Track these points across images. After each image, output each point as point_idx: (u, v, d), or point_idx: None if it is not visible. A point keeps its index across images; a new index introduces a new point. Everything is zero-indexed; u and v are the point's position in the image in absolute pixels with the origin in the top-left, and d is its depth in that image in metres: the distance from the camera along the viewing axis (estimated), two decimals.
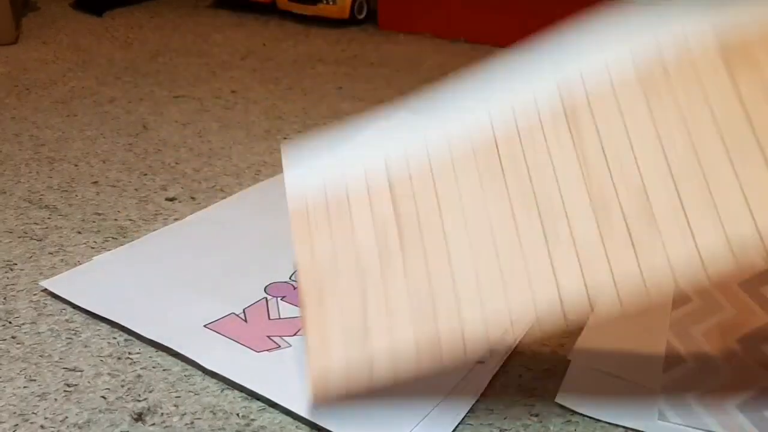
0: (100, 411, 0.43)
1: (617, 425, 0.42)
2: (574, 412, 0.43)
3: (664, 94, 0.39)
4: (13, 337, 0.50)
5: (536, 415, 0.43)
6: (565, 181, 0.40)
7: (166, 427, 0.42)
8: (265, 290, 0.54)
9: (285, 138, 0.83)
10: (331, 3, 1.27)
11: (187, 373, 0.46)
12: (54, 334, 0.50)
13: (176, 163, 0.77)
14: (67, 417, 0.43)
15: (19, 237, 0.63)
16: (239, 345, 0.48)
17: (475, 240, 0.40)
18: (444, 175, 0.43)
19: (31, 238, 0.62)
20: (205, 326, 0.50)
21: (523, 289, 0.38)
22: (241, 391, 0.45)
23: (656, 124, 0.39)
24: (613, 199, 0.38)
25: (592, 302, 0.37)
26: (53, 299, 0.54)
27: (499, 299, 0.39)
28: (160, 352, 0.48)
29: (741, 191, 0.36)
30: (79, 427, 0.42)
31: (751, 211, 0.35)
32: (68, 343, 0.49)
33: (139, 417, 0.43)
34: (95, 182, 0.73)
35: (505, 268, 0.39)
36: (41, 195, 0.70)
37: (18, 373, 0.46)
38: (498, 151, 0.42)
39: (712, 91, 0.38)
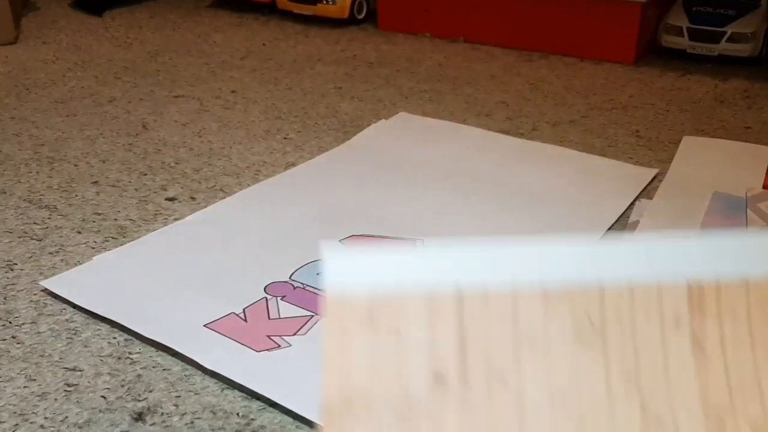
0: (100, 411, 0.43)
1: None
2: None
3: None
4: (13, 337, 0.50)
5: None
6: (676, 368, 0.35)
7: (167, 426, 0.42)
8: (265, 290, 0.54)
9: (285, 138, 0.83)
10: (330, 3, 1.27)
11: (187, 372, 0.46)
12: (54, 334, 0.50)
13: (176, 163, 0.77)
14: (67, 417, 0.43)
15: (19, 237, 0.63)
16: (239, 344, 0.48)
17: (557, 398, 0.34)
18: (528, 310, 0.36)
19: (31, 238, 0.62)
20: (205, 326, 0.50)
21: None
22: (241, 391, 0.45)
23: None
24: (729, 415, 0.35)
25: None
26: (53, 299, 0.54)
27: None
28: (160, 352, 0.48)
29: None
30: (79, 427, 0.42)
31: None
32: (68, 343, 0.49)
33: (139, 416, 0.43)
34: (95, 182, 0.73)
35: None
36: (41, 195, 0.70)
37: (18, 373, 0.46)
38: (603, 305, 0.36)
39: None
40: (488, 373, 0.35)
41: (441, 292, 0.36)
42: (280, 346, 0.48)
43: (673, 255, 0.37)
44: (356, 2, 1.28)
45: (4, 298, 0.54)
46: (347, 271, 0.37)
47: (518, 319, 0.36)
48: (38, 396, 0.44)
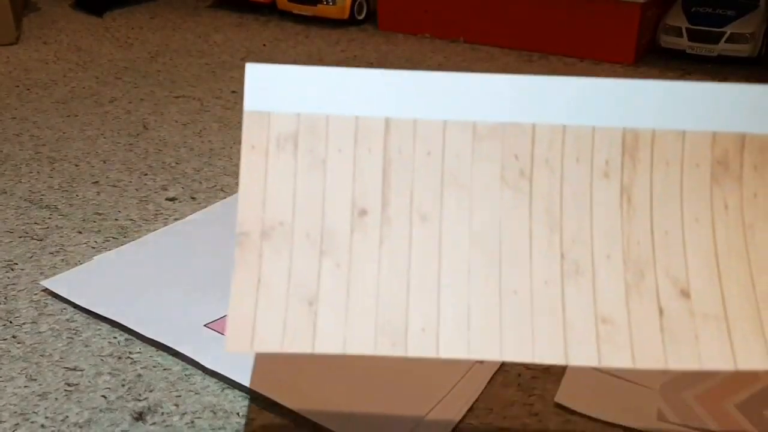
0: (100, 410, 0.44)
1: (616, 425, 0.42)
2: (574, 412, 0.43)
3: (731, 185, 0.35)
4: (13, 337, 0.50)
5: (536, 415, 0.43)
6: (601, 218, 0.35)
7: (167, 426, 0.42)
8: None
9: None
10: (331, 3, 1.27)
11: (187, 372, 0.47)
12: (54, 334, 0.50)
13: (176, 163, 0.77)
14: (67, 416, 0.43)
15: (20, 237, 0.63)
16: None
17: (477, 240, 0.34)
18: (457, 147, 0.35)
19: (32, 238, 0.62)
20: (205, 325, 0.50)
21: (521, 313, 0.33)
22: (241, 391, 0.45)
23: (714, 212, 0.35)
24: (650, 268, 0.34)
25: (602, 361, 0.32)
26: (54, 299, 0.54)
27: (492, 320, 0.33)
28: (160, 352, 0.48)
29: None
30: (80, 427, 0.42)
31: None
32: (69, 343, 0.49)
33: (139, 416, 0.43)
34: (96, 182, 0.73)
35: (506, 283, 0.34)
36: (42, 195, 0.70)
37: (19, 373, 0.47)
38: (533, 145, 0.36)
39: None
40: (410, 209, 0.34)
41: (369, 120, 0.35)
42: None
43: (612, 100, 0.36)
44: (356, 3, 1.28)
45: (5, 298, 0.54)
46: (271, 87, 0.36)
47: (445, 156, 0.35)
48: (39, 396, 0.45)
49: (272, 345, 0.32)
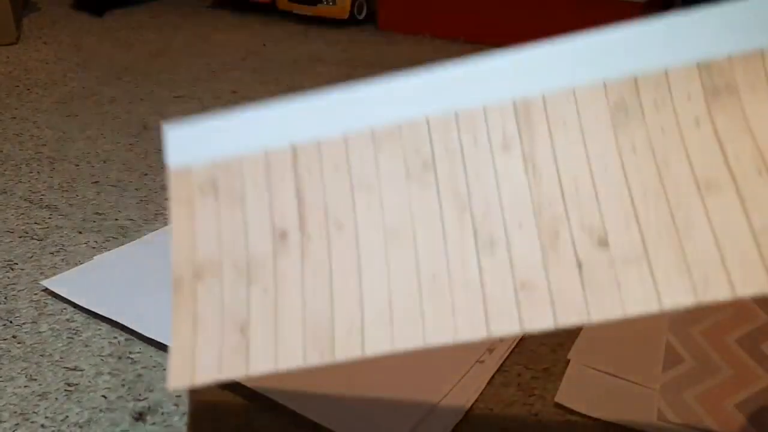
0: (100, 410, 0.44)
1: (616, 425, 0.42)
2: (574, 412, 0.43)
3: (635, 127, 0.36)
4: (13, 337, 0.50)
5: (536, 415, 0.43)
6: (508, 190, 0.36)
7: (167, 426, 0.42)
8: None
9: None
10: (331, 3, 1.27)
11: None
12: (55, 334, 0.50)
13: None
14: (67, 416, 0.43)
15: (20, 237, 0.63)
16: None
17: (392, 236, 0.36)
18: (360, 155, 0.38)
19: (32, 238, 0.62)
20: None
21: (441, 296, 0.34)
22: (242, 391, 0.45)
23: (622, 157, 0.36)
24: (564, 225, 0.35)
25: (524, 327, 0.33)
26: (54, 299, 0.54)
27: (413, 309, 0.34)
28: (160, 352, 0.48)
29: (710, 230, 0.33)
30: (80, 427, 0.42)
31: (719, 249, 0.33)
32: (69, 343, 0.49)
33: (139, 416, 0.43)
34: (96, 182, 0.73)
35: (424, 271, 0.35)
36: (42, 195, 0.70)
37: (19, 373, 0.47)
38: (430, 136, 0.37)
39: (686, 123, 0.36)
40: (326, 221, 0.36)
41: (276, 151, 0.38)
42: None
43: (495, 76, 0.38)
44: (356, 2, 1.28)
45: (5, 298, 0.54)
46: (188, 143, 0.40)
47: (351, 166, 0.37)
48: (39, 395, 0.45)
49: (210, 375, 0.34)
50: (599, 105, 0.37)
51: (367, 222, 0.36)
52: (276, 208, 0.37)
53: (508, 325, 0.33)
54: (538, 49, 0.38)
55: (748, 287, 0.32)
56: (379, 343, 0.34)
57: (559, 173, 0.36)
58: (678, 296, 0.33)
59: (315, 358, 0.34)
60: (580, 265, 0.34)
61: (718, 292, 0.32)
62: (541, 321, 0.33)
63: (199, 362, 0.35)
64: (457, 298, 0.34)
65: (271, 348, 0.35)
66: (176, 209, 0.39)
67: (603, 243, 0.34)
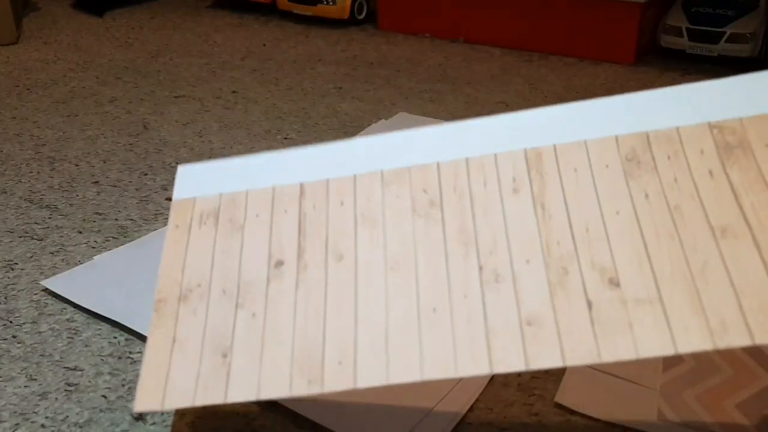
0: (100, 410, 0.44)
1: (616, 425, 0.42)
2: (574, 412, 0.43)
3: (647, 176, 0.36)
4: (13, 337, 0.50)
5: (536, 415, 0.43)
6: (516, 228, 0.36)
7: (167, 426, 0.42)
8: None
9: (286, 138, 0.84)
10: (331, 3, 1.27)
11: None
12: (55, 334, 0.50)
13: (177, 163, 0.77)
14: (67, 416, 0.43)
15: (20, 237, 0.63)
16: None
17: (393, 268, 0.35)
18: (367, 194, 0.38)
19: (32, 238, 0.62)
20: None
21: (442, 329, 0.33)
22: None
23: (634, 202, 0.35)
24: (573, 264, 0.34)
25: (530, 363, 0.32)
26: (54, 299, 0.54)
27: (410, 340, 0.33)
28: None
29: (727, 275, 0.33)
30: (80, 426, 0.42)
31: (736, 294, 0.32)
32: (69, 343, 0.49)
33: (139, 416, 0.43)
34: (96, 182, 0.73)
35: (425, 303, 0.34)
36: (42, 195, 0.70)
37: (19, 373, 0.47)
38: (439, 178, 0.38)
39: (700, 174, 0.35)
40: (326, 252, 0.36)
41: (284, 187, 0.39)
42: None
43: (508, 130, 0.39)
44: (356, 3, 1.28)
45: (5, 298, 0.54)
46: (198, 180, 0.41)
47: (357, 202, 0.37)
48: (39, 395, 0.45)
49: (184, 400, 0.33)
50: (611, 154, 0.37)
51: (368, 254, 0.36)
52: (275, 238, 0.37)
53: (513, 361, 0.32)
54: (550, 109, 0.39)
55: (766, 335, 0.31)
56: (372, 376, 0.33)
57: (569, 214, 0.36)
58: (695, 340, 0.32)
59: (302, 388, 0.33)
60: (590, 305, 0.33)
61: (736, 339, 0.31)
62: (548, 359, 0.32)
63: (173, 385, 0.34)
64: (459, 331, 0.33)
65: (254, 375, 0.34)
66: (173, 234, 0.39)
67: (614, 283, 0.34)
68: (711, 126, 0.37)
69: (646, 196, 0.36)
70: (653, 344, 0.32)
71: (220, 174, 0.40)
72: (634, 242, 0.34)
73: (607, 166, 0.37)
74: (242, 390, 0.33)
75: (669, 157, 0.36)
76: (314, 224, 0.37)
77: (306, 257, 0.36)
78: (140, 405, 0.33)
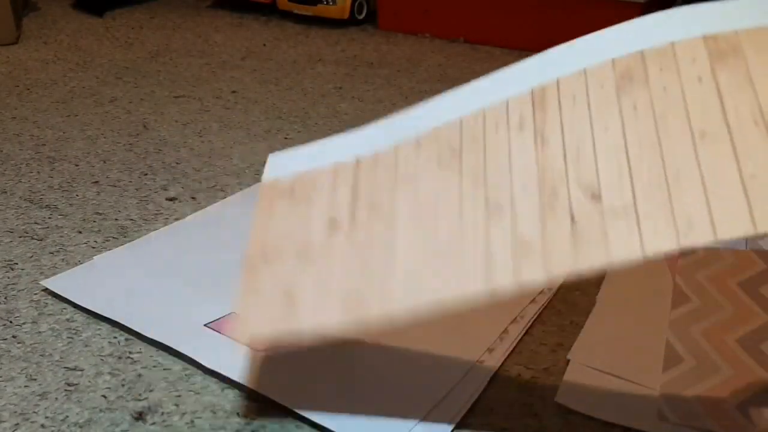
0: (100, 410, 0.44)
1: (616, 425, 0.42)
2: (574, 412, 0.43)
3: (638, 89, 0.38)
4: (13, 337, 0.50)
5: (536, 415, 0.43)
6: (518, 162, 0.39)
7: (167, 426, 0.42)
8: None
9: (286, 138, 0.83)
10: (331, 3, 1.27)
11: (187, 372, 0.47)
12: (55, 334, 0.50)
13: (177, 163, 0.77)
14: (67, 416, 0.43)
15: (20, 236, 0.63)
16: (239, 344, 0.48)
17: (420, 214, 0.41)
18: (406, 156, 0.44)
19: (32, 238, 0.62)
20: (205, 325, 0.50)
21: (456, 259, 0.38)
22: (242, 390, 0.45)
23: (623, 116, 0.38)
24: (563, 184, 0.37)
25: (519, 279, 0.36)
26: (54, 299, 0.54)
27: (431, 273, 0.38)
28: (160, 352, 0.48)
29: (700, 178, 0.34)
30: (80, 427, 0.42)
31: (706, 195, 0.34)
32: (69, 343, 0.49)
33: (139, 416, 0.43)
34: (96, 182, 0.73)
35: (442, 239, 0.39)
36: (42, 195, 0.70)
37: (19, 373, 0.47)
38: (461, 132, 0.42)
39: (688, 81, 0.37)
40: (370, 209, 0.42)
41: (343, 162, 0.46)
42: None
43: (518, 74, 0.43)
44: (356, 2, 1.28)
45: (5, 298, 0.54)
46: (280, 163, 0.48)
47: (398, 166, 0.43)
48: (39, 395, 0.45)
49: (264, 334, 0.41)
50: (606, 76, 0.39)
51: (404, 206, 0.42)
52: (333, 203, 0.44)
53: (503, 279, 0.36)
54: (556, 48, 0.42)
55: (730, 231, 0.33)
56: (407, 301, 0.38)
57: (564, 139, 0.38)
58: (661, 242, 0.33)
59: (351, 324, 0.39)
60: (573, 220, 0.36)
61: (700, 236, 0.33)
62: (533, 274, 0.36)
63: (256, 325, 0.41)
64: (464, 258, 0.38)
65: (313, 314, 0.40)
66: (259, 208, 0.47)
67: (596, 197, 0.36)
68: (705, 38, 0.38)
69: (635, 108, 0.38)
70: (623, 250, 0.34)
71: (297, 158, 0.48)
72: (618, 156, 0.37)
73: (602, 86, 0.39)
74: (305, 325, 0.39)
75: (661, 69, 0.38)
76: (365, 188, 0.43)
77: (357, 216, 0.42)
78: (239, 340, 0.44)
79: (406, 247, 0.40)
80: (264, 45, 1.20)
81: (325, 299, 0.40)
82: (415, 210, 0.41)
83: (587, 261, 0.34)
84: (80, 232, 0.63)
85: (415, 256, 0.39)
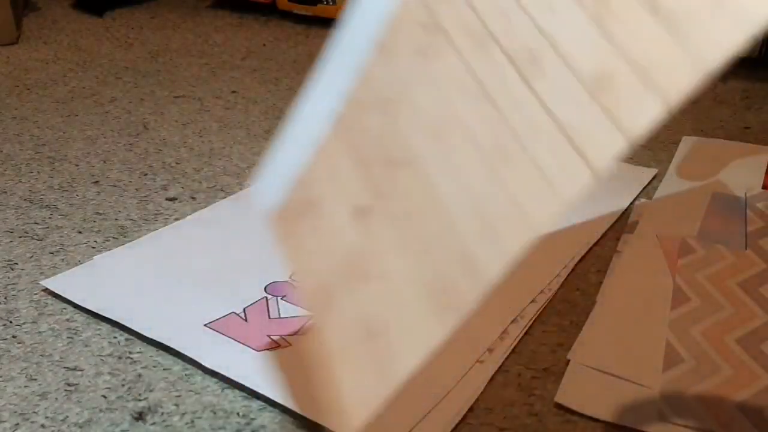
0: (100, 410, 0.44)
1: (616, 425, 0.42)
2: (573, 412, 0.43)
3: None
4: (13, 337, 0.50)
5: (535, 415, 0.43)
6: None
7: (167, 426, 0.42)
8: (265, 290, 0.54)
9: None
10: (331, 3, 1.27)
11: (187, 372, 0.47)
12: (55, 334, 0.50)
13: (177, 163, 0.77)
14: (67, 416, 0.43)
15: (20, 236, 0.63)
16: (239, 344, 0.48)
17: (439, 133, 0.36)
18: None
19: (32, 238, 0.62)
20: (205, 325, 0.50)
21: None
22: (242, 390, 0.45)
23: None
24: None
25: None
26: (54, 299, 0.54)
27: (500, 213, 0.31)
28: (160, 352, 0.48)
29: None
30: (80, 427, 0.42)
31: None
32: (69, 343, 0.49)
33: (139, 416, 0.43)
34: (96, 182, 0.73)
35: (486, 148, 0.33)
36: (42, 195, 0.70)
37: (19, 373, 0.47)
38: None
39: None
40: (385, 164, 0.37)
41: (319, 148, 0.40)
42: (280, 345, 0.48)
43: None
44: None
45: (5, 298, 0.54)
46: (269, 189, 0.43)
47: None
48: (39, 395, 0.45)
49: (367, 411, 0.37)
50: None
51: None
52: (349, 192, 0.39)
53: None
54: None
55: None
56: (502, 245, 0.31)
57: None
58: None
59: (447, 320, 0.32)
60: None
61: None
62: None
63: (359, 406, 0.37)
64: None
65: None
66: (286, 248, 0.41)
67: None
68: None
69: None
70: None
71: (279, 173, 0.44)
72: None
73: None
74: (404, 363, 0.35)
75: None
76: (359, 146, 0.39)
77: (383, 193, 0.38)
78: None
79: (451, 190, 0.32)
80: (264, 45, 1.20)
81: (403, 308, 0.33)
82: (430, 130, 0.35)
83: None
84: (80, 232, 0.63)
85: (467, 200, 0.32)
